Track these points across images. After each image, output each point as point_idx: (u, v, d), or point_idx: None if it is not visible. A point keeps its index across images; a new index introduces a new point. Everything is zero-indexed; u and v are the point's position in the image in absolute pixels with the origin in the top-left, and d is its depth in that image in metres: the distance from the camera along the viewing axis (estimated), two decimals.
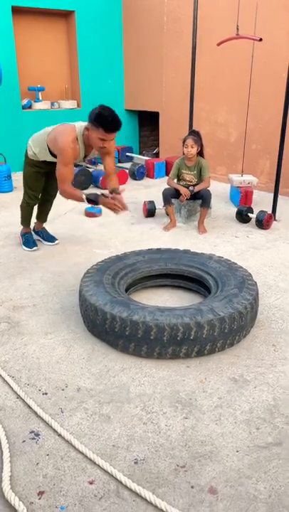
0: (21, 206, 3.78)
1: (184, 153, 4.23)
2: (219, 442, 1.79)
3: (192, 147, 4.13)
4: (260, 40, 4.12)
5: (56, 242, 3.93)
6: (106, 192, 3.14)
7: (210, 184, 4.29)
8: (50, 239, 3.94)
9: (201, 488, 1.59)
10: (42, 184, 3.61)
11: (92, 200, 2.99)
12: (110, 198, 3.06)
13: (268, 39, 4.65)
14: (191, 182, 4.32)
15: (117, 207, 3.00)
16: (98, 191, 3.33)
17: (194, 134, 4.22)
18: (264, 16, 4.69)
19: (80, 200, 3.03)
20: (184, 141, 4.18)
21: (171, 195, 4.33)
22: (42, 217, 3.95)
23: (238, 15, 4.16)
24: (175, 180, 4.40)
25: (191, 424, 1.89)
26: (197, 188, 4.21)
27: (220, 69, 5.89)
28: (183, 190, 4.20)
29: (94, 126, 2.82)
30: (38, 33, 6.95)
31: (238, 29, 4.18)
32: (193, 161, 4.26)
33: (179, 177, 4.39)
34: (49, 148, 3.21)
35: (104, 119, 2.76)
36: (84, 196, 3.00)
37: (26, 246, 3.80)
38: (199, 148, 4.19)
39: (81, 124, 3.05)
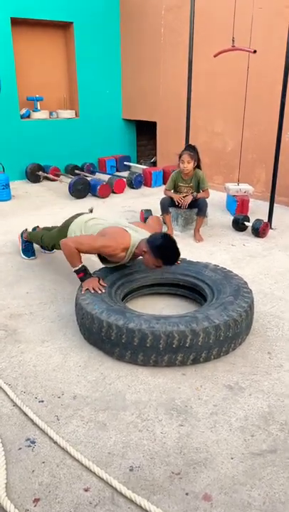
0: (37, 235, 3.68)
1: (179, 167, 4.27)
2: (214, 449, 1.80)
3: (188, 163, 4.17)
4: (254, 52, 4.19)
5: (54, 250, 3.95)
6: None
7: (209, 195, 4.35)
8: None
9: (195, 495, 1.60)
10: None
11: (81, 276, 2.74)
12: None
13: (263, 50, 4.73)
14: (188, 194, 4.37)
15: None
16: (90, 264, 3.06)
17: (190, 149, 4.25)
18: (259, 27, 4.77)
19: (71, 265, 2.76)
20: (180, 157, 4.22)
21: (168, 204, 4.37)
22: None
23: (233, 26, 4.24)
24: (172, 191, 4.45)
25: (186, 432, 1.90)
26: (199, 196, 4.27)
27: (216, 79, 5.97)
28: (176, 197, 4.26)
29: (153, 254, 2.64)
30: (36, 44, 7.03)
31: (233, 41, 4.25)
32: (190, 175, 4.31)
33: (176, 189, 4.43)
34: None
35: (167, 255, 2.65)
36: (75, 269, 2.74)
37: (25, 254, 3.82)
38: (196, 163, 4.23)
39: (137, 237, 2.78)
